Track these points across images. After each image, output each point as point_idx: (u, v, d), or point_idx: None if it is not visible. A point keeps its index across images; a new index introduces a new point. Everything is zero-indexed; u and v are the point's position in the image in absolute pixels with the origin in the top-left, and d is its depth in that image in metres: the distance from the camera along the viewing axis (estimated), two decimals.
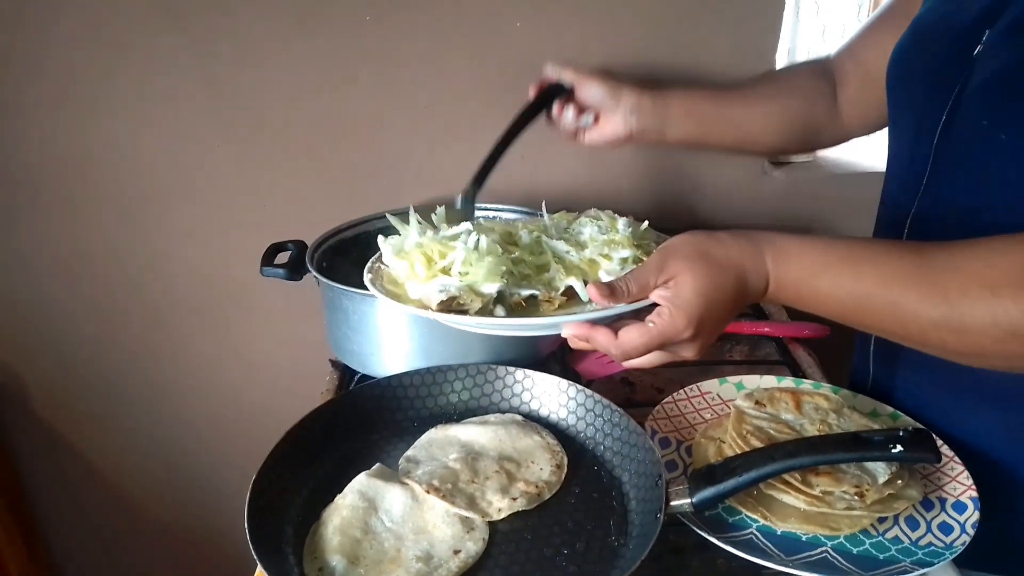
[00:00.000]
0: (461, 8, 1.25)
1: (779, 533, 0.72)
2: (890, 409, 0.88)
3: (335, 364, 1.07)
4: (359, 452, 0.82)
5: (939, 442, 0.79)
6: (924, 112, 0.78)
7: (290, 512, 0.73)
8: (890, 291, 0.61)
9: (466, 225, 0.77)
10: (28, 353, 1.48)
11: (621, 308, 0.66)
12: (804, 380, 0.96)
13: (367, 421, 0.85)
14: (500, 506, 0.73)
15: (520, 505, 0.74)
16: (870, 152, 1.54)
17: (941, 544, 0.70)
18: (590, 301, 0.68)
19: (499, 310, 0.70)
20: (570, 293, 0.72)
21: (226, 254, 1.41)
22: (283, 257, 1.02)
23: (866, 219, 0.97)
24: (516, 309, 0.71)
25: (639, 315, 0.66)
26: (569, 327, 0.67)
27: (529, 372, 0.89)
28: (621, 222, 0.81)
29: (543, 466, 0.79)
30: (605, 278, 0.72)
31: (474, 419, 0.87)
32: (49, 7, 1.22)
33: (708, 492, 0.68)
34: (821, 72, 0.99)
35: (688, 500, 0.68)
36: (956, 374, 0.79)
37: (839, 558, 0.69)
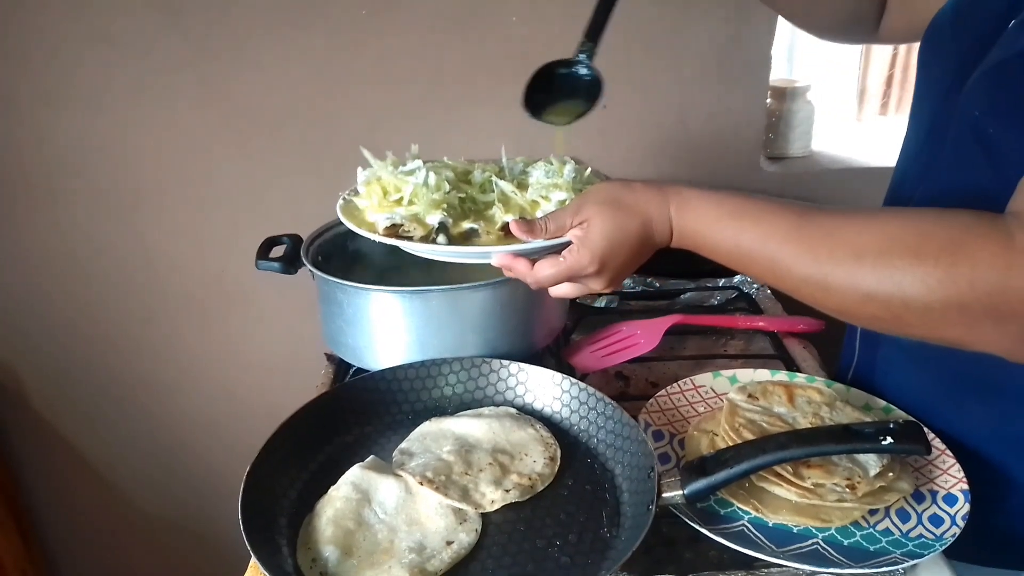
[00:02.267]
0: (457, 3, 1.25)
1: (770, 525, 0.72)
2: (883, 403, 0.88)
3: (330, 358, 1.07)
4: (353, 444, 0.83)
5: (930, 435, 0.79)
6: (943, 99, 0.75)
7: (284, 503, 0.73)
8: (767, 247, 0.66)
9: (418, 162, 0.85)
10: (24, 350, 1.48)
11: (540, 243, 0.73)
12: (798, 374, 0.96)
13: (361, 414, 0.86)
14: (493, 498, 0.74)
15: (513, 497, 0.74)
16: (866, 148, 1.55)
17: (931, 536, 0.71)
18: None
19: (441, 239, 0.78)
20: (509, 230, 0.78)
21: (222, 249, 1.41)
22: (279, 251, 1.02)
23: None
24: (458, 240, 0.79)
25: (560, 252, 0.73)
26: (497, 256, 0.75)
27: (523, 365, 0.89)
28: (568, 168, 0.86)
29: (536, 458, 0.79)
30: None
31: (468, 412, 0.87)
32: (44, 3, 1.22)
33: (700, 484, 0.68)
34: None
35: (680, 492, 0.68)
36: (944, 366, 0.80)
37: (830, 550, 0.69)
